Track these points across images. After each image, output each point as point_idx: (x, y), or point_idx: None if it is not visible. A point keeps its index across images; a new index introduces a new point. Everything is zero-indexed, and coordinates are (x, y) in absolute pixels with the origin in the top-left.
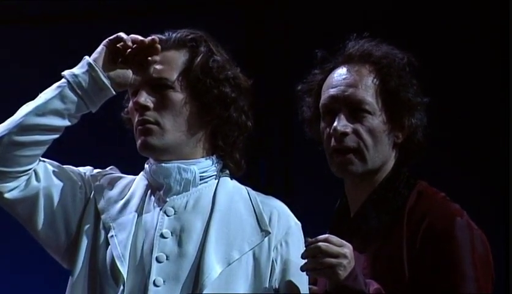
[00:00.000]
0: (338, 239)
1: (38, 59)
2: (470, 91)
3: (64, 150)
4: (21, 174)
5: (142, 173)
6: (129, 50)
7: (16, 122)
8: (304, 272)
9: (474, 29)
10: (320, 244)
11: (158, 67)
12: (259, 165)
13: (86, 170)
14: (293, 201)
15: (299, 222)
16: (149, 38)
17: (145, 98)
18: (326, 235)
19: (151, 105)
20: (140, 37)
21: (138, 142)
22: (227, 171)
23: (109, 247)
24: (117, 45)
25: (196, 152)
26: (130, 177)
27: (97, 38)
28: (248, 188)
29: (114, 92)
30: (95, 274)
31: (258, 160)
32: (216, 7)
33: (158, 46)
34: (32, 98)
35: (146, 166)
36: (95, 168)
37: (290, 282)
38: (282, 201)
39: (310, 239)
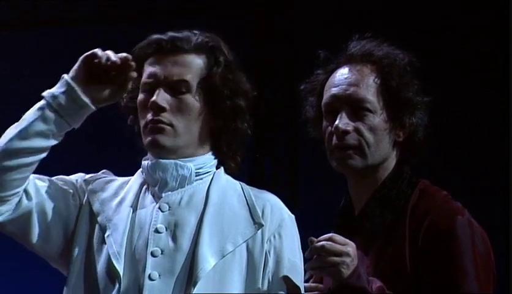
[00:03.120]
0: (342, 237)
1: (47, 61)
2: (470, 90)
3: (61, 152)
4: (12, 197)
5: (139, 171)
6: (106, 66)
7: (1, 148)
8: (298, 264)
9: (474, 29)
10: (323, 242)
11: (177, 69)
12: (265, 164)
13: (78, 177)
14: (298, 200)
15: (292, 215)
16: (122, 55)
17: (162, 99)
18: (330, 234)
19: (167, 107)
20: (113, 57)
21: (148, 139)
22: (221, 167)
23: (106, 246)
24: (94, 61)
25: (197, 152)
26: (124, 178)
27: (107, 41)
28: (242, 183)
29: (94, 108)
30: (92, 275)
31: (263, 159)
32: (224, 11)
33: (132, 63)
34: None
35: (144, 162)
36: (89, 171)
37: (287, 277)
38: (287, 201)
39: (314, 239)
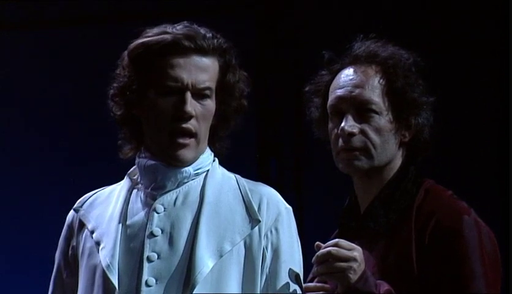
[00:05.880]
0: (348, 242)
1: (55, 61)
2: (471, 90)
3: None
4: None
5: (126, 177)
6: None
7: None
8: (296, 257)
9: (475, 29)
10: (330, 248)
11: (202, 75)
12: (270, 164)
13: (69, 220)
14: (304, 200)
15: (289, 207)
16: None
17: (192, 107)
18: (336, 240)
19: (194, 114)
20: None
21: (174, 151)
22: (216, 159)
23: (100, 260)
24: None
25: (200, 154)
26: (109, 187)
27: (108, 42)
28: (238, 176)
29: None
30: (93, 291)
31: (268, 159)
32: (226, 11)
33: None
34: (50, 100)
35: (141, 161)
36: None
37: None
38: (293, 201)
39: (320, 244)
